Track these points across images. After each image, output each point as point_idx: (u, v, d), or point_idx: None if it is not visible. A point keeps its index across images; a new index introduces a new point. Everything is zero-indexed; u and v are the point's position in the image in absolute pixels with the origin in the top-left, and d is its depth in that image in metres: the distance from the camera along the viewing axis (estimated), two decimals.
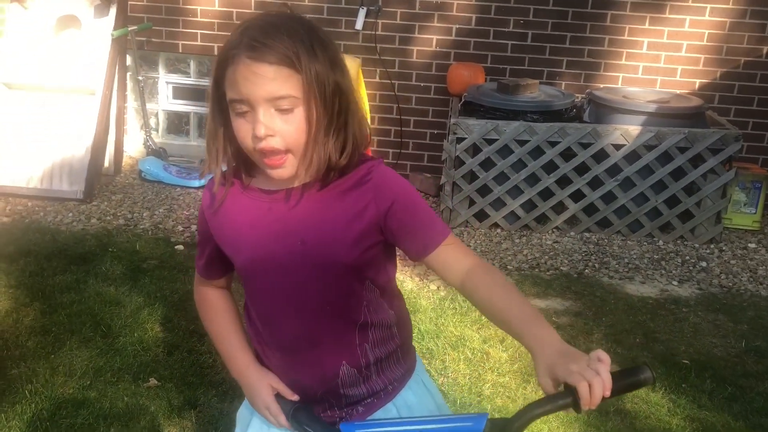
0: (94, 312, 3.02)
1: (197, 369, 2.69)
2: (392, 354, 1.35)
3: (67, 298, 3.11)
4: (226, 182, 1.25)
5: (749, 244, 4.17)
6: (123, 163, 4.82)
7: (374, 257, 1.26)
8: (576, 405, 0.96)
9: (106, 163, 4.62)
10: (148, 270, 3.44)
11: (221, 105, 1.17)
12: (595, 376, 0.94)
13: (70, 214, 4.06)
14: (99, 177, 4.46)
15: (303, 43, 1.11)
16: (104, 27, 4.43)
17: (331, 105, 1.15)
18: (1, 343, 2.76)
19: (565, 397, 0.97)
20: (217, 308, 1.41)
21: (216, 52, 4.81)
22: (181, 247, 3.74)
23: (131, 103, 4.95)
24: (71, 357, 2.71)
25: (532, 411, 1.00)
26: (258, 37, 1.09)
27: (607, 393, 0.94)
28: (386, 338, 1.33)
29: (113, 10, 4.44)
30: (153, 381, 2.60)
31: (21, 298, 3.10)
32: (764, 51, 4.54)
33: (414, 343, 2.79)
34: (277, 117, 1.12)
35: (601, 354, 0.98)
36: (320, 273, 1.22)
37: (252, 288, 1.29)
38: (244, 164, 1.23)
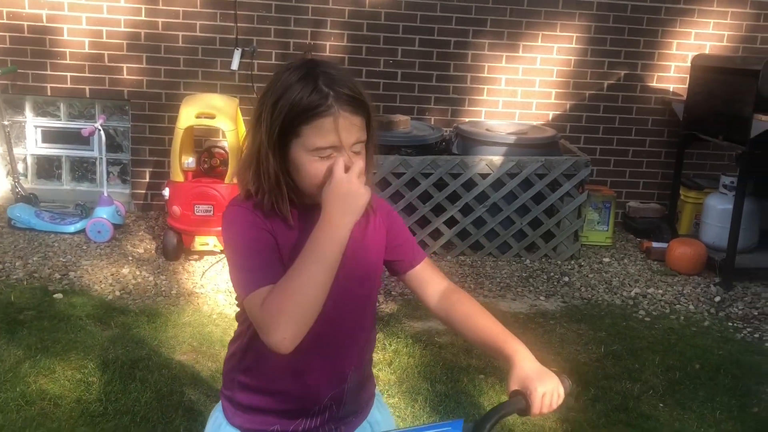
0: None
1: (87, 418, 2.66)
2: (370, 374, 1.51)
3: None
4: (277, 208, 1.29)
5: (604, 259, 4.61)
6: None
7: (381, 266, 1.45)
8: (525, 412, 1.27)
9: None
10: (26, 321, 3.33)
11: (282, 150, 1.25)
12: (548, 406, 1.27)
13: None
14: None
15: (364, 91, 1.28)
16: None
17: (374, 135, 1.32)
18: None
19: (519, 403, 1.27)
20: None
21: (86, 94, 4.75)
22: (60, 295, 3.64)
23: None
24: None
25: (498, 413, 1.24)
26: (349, 92, 1.24)
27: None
28: (371, 352, 1.50)
29: None
30: None
31: None
32: (605, 85, 5.07)
33: None
34: (352, 159, 1.27)
35: (563, 389, 1.31)
36: (354, 277, 1.34)
37: None
38: (276, 195, 1.29)
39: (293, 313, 1.17)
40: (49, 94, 4.73)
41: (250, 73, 4.76)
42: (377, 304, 1.55)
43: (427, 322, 3.63)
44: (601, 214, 4.80)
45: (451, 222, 4.43)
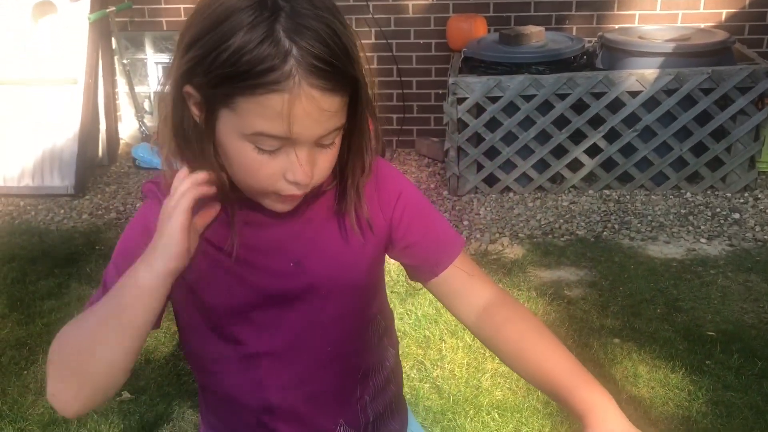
0: None
1: (174, 377, 2.53)
2: (389, 406, 1.10)
3: (47, 306, 2.97)
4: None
5: None
6: (119, 152, 4.66)
7: (381, 277, 1.03)
8: None
9: (100, 153, 4.47)
10: None
11: (212, 121, 0.82)
12: None
13: (62, 211, 3.93)
14: (91, 169, 4.31)
15: (355, 45, 0.80)
16: (81, 11, 4.22)
17: (364, 118, 0.87)
18: None
19: None
20: None
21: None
22: None
23: (122, 88, 4.76)
24: (44, 372, 2.57)
25: None
26: (326, 55, 0.76)
27: None
28: (385, 386, 1.09)
29: None
30: (126, 394, 2.45)
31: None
32: None
33: (410, 330, 2.51)
34: (317, 155, 0.84)
35: None
36: (323, 303, 0.95)
37: (226, 335, 0.96)
38: None
39: (61, 366, 0.86)
40: (164, 28, 4.61)
41: None
42: (390, 320, 1.11)
43: (557, 271, 3.14)
44: None
45: (593, 150, 3.81)
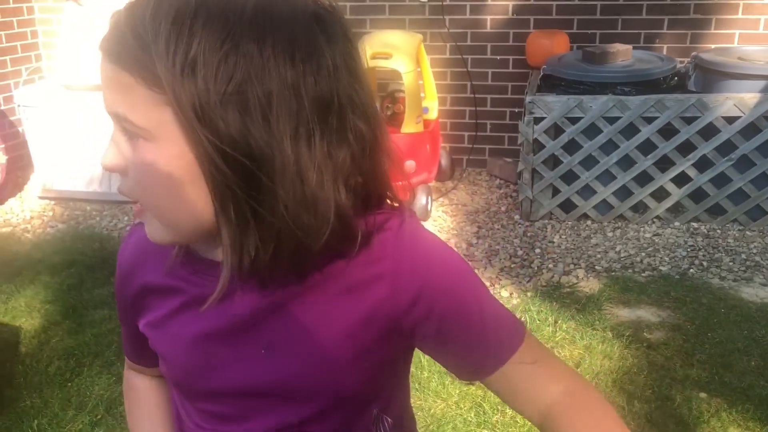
0: None
1: None
2: None
3: (98, 315, 2.91)
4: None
5: None
6: None
7: (389, 374, 0.81)
8: None
9: None
10: None
11: None
12: None
13: (126, 218, 3.91)
14: None
15: (185, 12, 0.61)
16: None
17: (203, 154, 0.63)
18: (22, 370, 2.59)
19: None
20: (146, 404, 0.96)
21: None
22: None
23: None
24: (88, 385, 2.49)
25: None
26: (112, 22, 0.66)
27: None
28: None
29: None
30: None
31: (53, 315, 2.93)
32: None
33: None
34: (127, 145, 0.67)
35: None
36: (300, 404, 0.76)
37: (189, 410, 0.84)
38: None
39: None
40: None
41: (441, 4, 4.15)
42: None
43: (636, 310, 2.86)
44: None
45: (681, 179, 3.51)
